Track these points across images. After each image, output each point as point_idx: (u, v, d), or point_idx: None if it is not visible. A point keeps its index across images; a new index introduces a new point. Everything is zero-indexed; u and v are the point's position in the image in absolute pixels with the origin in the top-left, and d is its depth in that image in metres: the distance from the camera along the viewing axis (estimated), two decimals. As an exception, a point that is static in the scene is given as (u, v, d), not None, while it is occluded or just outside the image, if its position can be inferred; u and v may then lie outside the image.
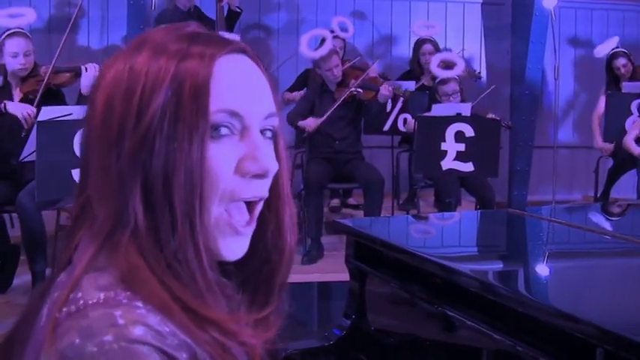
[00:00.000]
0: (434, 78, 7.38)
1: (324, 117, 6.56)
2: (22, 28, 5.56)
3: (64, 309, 0.92)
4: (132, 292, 0.93)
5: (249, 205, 1.06)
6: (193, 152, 0.98)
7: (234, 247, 1.06)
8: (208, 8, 7.69)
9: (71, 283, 0.96)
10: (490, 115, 6.56)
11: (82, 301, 0.92)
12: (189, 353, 0.92)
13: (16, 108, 5.16)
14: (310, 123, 6.58)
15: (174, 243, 0.98)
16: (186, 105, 0.98)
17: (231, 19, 7.48)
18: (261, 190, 1.06)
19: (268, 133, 1.09)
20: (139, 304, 0.92)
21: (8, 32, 5.43)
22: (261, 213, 1.09)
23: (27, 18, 5.71)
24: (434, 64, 6.90)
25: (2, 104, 5.17)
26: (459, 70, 6.84)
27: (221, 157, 1.01)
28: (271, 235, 1.14)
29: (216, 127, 1.00)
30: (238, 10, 7.60)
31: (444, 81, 6.76)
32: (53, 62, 5.43)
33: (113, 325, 0.88)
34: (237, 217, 1.05)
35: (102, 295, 0.92)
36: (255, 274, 1.14)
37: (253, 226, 1.07)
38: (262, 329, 1.08)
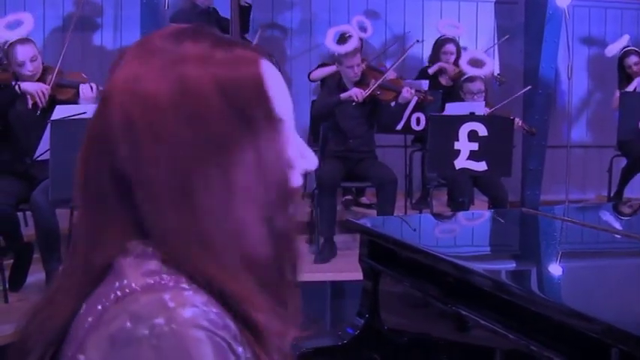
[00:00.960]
0: (453, 78, 7.38)
1: (372, 88, 6.54)
2: (24, 36, 5.55)
3: (112, 295, 0.94)
4: (175, 275, 0.95)
5: None
6: (279, 153, 1.03)
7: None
8: (221, 8, 7.69)
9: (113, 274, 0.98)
10: (517, 120, 6.55)
11: (128, 288, 0.94)
12: (232, 334, 0.93)
13: (31, 86, 5.18)
14: (357, 92, 6.55)
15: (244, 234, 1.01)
16: (267, 111, 1.01)
17: (242, 15, 7.47)
18: (300, 180, 1.10)
19: None
20: (185, 285, 0.94)
21: (10, 42, 5.42)
22: None
23: (26, 27, 5.66)
24: (464, 60, 6.90)
25: (17, 84, 5.19)
26: (488, 69, 6.84)
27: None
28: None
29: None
30: (247, 4, 7.57)
31: (471, 79, 6.76)
32: (58, 66, 5.45)
33: (164, 308, 0.90)
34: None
35: (149, 280, 0.94)
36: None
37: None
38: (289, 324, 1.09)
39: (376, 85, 6.60)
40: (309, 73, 7.82)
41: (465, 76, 6.90)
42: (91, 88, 5.39)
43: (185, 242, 0.98)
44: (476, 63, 6.93)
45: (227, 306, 0.96)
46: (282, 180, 1.03)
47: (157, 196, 0.98)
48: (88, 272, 1.01)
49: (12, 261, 5.45)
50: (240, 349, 0.93)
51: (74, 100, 5.44)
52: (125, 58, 1.05)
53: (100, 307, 0.94)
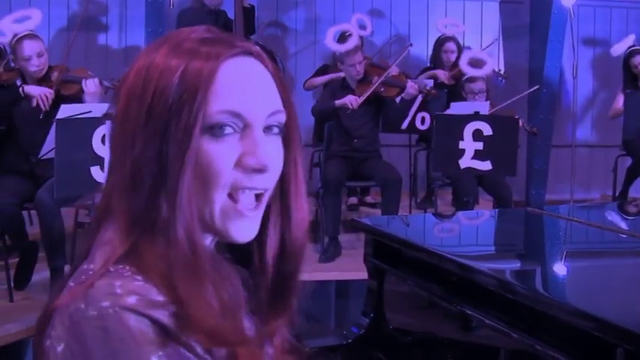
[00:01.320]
0: (455, 76, 7.37)
1: (365, 97, 6.53)
2: (32, 30, 5.58)
3: (80, 277, 1.06)
4: (136, 266, 1.05)
5: (257, 195, 1.14)
6: (182, 146, 1.06)
7: (243, 230, 1.14)
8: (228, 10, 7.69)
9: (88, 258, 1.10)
10: (518, 118, 6.54)
11: (91, 272, 1.06)
12: (178, 324, 1.03)
13: (34, 90, 5.21)
14: (352, 99, 6.54)
15: (175, 230, 1.07)
16: (186, 102, 1.06)
17: (247, 17, 7.46)
18: (262, 182, 1.13)
19: (275, 130, 1.15)
20: (139, 277, 1.04)
21: (18, 37, 5.44)
22: (273, 208, 1.20)
23: (34, 21, 5.69)
24: (464, 61, 6.89)
25: (21, 87, 5.21)
26: (488, 69, 6.83)
27: (221, 153, 1.09)
28: (282, 227, 1.23)
29: (219, 127, 1.09)
30: (250, 5, 7.58)
31: (472, 79, 6.76)
32: (63, 65, 5.46)
33: (111, 294, 1.00)
34: (244, 202, 1.12)
35: (110, 268, 1.04)
36: (272, 269, 1.23)
37: (260, 211, 1.15)
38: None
39: (378, 83, 6.60)
40: (304, 83, 7.82)
41: (466, 77, 6.89)
42: (95, 83, 5.40)
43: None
44: (476, 63, 6.92)
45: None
46: (182, 168, 1.07)
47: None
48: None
49: (17, 260, 5.46)
50: (183, 338, 1.02)
51: (79, 95, 5.46)
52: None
53: (71, 285, 1.06)
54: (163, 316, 1.01)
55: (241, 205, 1.12)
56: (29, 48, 5.37)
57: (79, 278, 1.06)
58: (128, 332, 0.98)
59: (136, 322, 0.99)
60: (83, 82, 5.41)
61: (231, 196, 1.11)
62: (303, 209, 1.24)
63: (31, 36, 5.49)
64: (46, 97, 5.16)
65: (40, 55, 5.39)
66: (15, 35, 5.46)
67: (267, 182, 1.14)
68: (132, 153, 1.07)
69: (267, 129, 1.14)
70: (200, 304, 1.05)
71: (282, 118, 1.16)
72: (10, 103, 5.39)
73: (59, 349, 1.01)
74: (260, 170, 1.11)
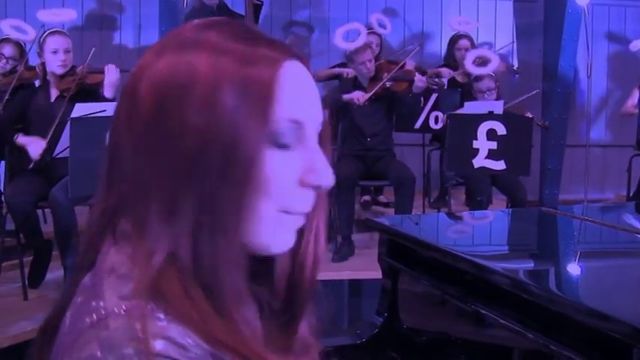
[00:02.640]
0: (468, 75, 7.35)
1: (372, 93, 6.53)
2: (61, 28, 5.69)
3: (87, 318, 0.91)
4: (154, 301, 0.91)
5: None
6: (248, 161, 0.95)
7: (283, 241, 1.03)
8: (234, 4, 7.70)
9: (93, 291, 0.95)
10: (528, 115, 6.52)
11: (103, 311, 0.90)
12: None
13: (25, 140, 5.29)
14: (358, 95, 6.54)
15: (210, 249, 0.96)
16: (249, 111, 0.95)
17: (254, 13, 7.48)
18: (312, 200, 1.04)
19: (316, 138, 1.05)
20: (161, 315, 0.91)
21: (49, 30, 5.58)
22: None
23: (69, 15, 5.89)
24: (469, 60, 6.87)
25: (15, 136, 5.30)
26: (493, 66, 6.81)
27: (283, 167, 0.98)
28: (307, 240, 1.10)
29: (279, 136, 0.98)
30: (259, 2, 7.59)
31: (479, 78, 6.74)
32: (89, 59, 5.51)
33: (134, 339, 0.87)
34: (290, 222, 1.03)
35: (123, 306, 0.90)
36: (291, 278, 1.12)
37: (302, 219, 1.05)
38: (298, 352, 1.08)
39: (386, 80, 6.59)
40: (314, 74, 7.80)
41: (473, 76, 6.88)
42: (116, 70, 5.47)
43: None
44: (481, 61, 6.90)
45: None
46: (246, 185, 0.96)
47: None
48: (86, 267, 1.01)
49: (31, 258, 5.49)
50: None
51: (101, 86, 5.52)
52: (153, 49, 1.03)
53: (75, 330, 0.91)
54: (194, 357, 0.89)
55: (290, 215, 1.02)
56: (59, 42, 5.47)
57: (85, 318, 0.91)
58: None
59: None
60: (106, 68, 5.47)
61: (278, 213, 1.00)
62: (325, 220, 1.12)
63: (62, 33, 5.64)
64: (39, 155, 5.21)
65: (67, 52, 5.48)
66: (45, 31, 5.58)
67: (313, 200, 1.05)
68: (166, 161, 0.95)
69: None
70: (241, 339, 0.95)
71: (320, 128, 1.07)
72: (27, 103, 5.44)
73: None
74: (319, 188, 1.03)
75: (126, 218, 0.98)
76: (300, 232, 1.07)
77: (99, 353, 0.86)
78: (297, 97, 1.00)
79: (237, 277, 0.97)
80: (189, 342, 0.89)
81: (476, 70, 6.78)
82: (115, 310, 0.90)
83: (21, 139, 5.28)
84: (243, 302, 0.99)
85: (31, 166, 5.19)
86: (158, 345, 0.87)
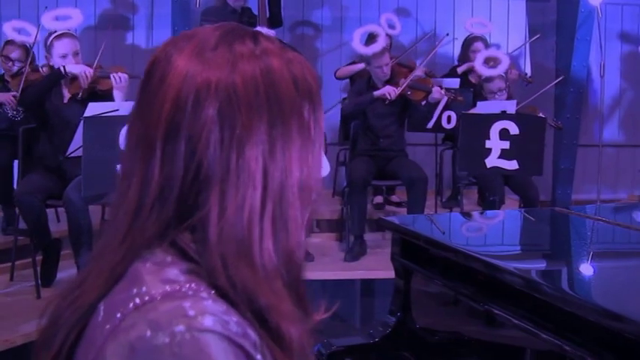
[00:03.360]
0: (480, 75, 7.34)
1: (403, 86, 6.53)
2: (70, 29, 5.67)
3: (130, 303, 0.94)
4: (195, 280, 0.96)
5: None
6: (315, 158, 1.03)
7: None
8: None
9: (130, 280, 0.98)
10: (540, 115, 6.50)
11: (147, 296, 0.94)
12: (251, 342, 0.94)
13: (76, 68, 5.25)
14: (390, 90, 6.54)
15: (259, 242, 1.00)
16: (317, 108, 1.04)
17: (271, 8, 7.47)
18: None
19: None
20: (204, 294, 0.95)
21: (56, 34, 5.50)
22: None
23: (74, 20, 5.84)
24: (479, 61, 6.85)
25: (62, 67, 5.25)
26: (504, 67, 6.79)
27: (321, 164, 1.07)
28: None
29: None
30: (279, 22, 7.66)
31: (490, 79, 6.72)
32: (96, 62, 5.50)
33: (184, 316, 0.90)
34: None
35: (168, 288, 0.95)
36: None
37: None
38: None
39: (407, 82, 6.59)
40: (336, 71, 7.82)
41: (483, 77, 6.86)
42: (124, 77, 5.43)
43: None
44: (490, 62, 6.88)
45: (251, 313, 0.97)
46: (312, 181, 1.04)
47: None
48: (117, 259, 1.03)
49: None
50: (259, 357, 0.94)
51: (112, 91, 5.50)
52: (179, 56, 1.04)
53: (118, 315, 0.94)
54: (238, 333, 0.93)
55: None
56: (67, 46, 5.43)
57: (128, 304, 0.94)
58: (208, 357, 0.89)
59: (216, 346, 0.90)
60: (111, 76, 5.44)
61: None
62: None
63: (70, 35, 5.56)
64: (87, 75, 5.20)
65: (75, 54, 5.44)
66: (52, 34, 5.52)
67: None
68: (213, 161, 0.99)
69: None
70: (288, 313, 1.00)
71: None
72: (43, 98, 5.43)
73: None
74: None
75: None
76: None
77: (149, 333, 0.90)
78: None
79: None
80: (232, 318, 0.94)
81: (486, 72, 6.77)
82: (161, 293, 0.94)
83: (70, 68, 5.29)
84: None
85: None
86: (207, 321, 0.91)
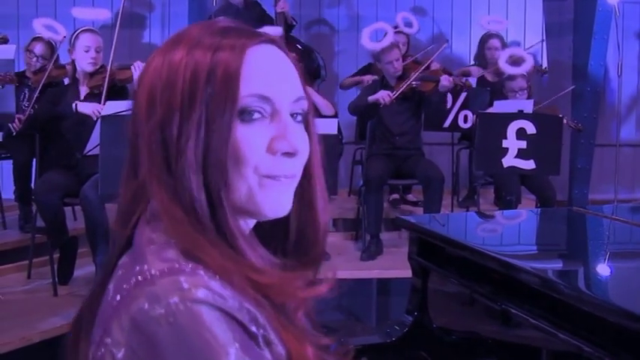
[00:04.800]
0: (498, 74, 7.32)
1: (397, 93, 6.52)
2: (92, 27, 5.76)
3: (132, 279, 1.01)
4: (193, 262, 1.03)
5: None
6: (223, 133, 1.08)
7: (278, 203, 1.15)
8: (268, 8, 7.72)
9: (136, 259, 1.06)
10: (563, 117, 6.48)
11: (148, 273, 1.01)
12: (250, 316, 1.01)
13: (87, 107, 5.28)
14: (384, 95, 6.53)
15: (214, 216, 1.09)
16: (218, 91, 1.09)
17: (286, 30, 7.49)
18: (291, 168, 1.15)
19: (299, 117, 1.18)
20: (201, 271, 1.02)
21: (82, 28, 5.64)
22: (296, 194, 1.19)
23: (102, 14, 5.95)
24: (502, 59, 6.83)
25: (75, 104, 5.29)
26: (527, 66, 6.78)
27: (251, 137, 1.11)
28: (305, 215, 1.23)
29: (248, 111, 1.11)
30: (294, 22, 7.65)
31: (512, 77, 6.70)
32: (111, 58, 5.54)
33: (179, 289, 0.97)
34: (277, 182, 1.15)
35: (167, 266, 1.02)
36: (294, 251, 1.25)
37: (293, 186, 1.17)
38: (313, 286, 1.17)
39: (412, 79, 6.57)
40: (341, 82, 7.86)
41: (506, 75, 6.84)
42: (141, 67, 5.49)
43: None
44: (515, 61, 6.87)
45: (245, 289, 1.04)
46: (220, 151, 1.09)
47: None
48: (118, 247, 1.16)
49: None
50: (253, 328, 1.01)
51: (131, 81, 5.60)
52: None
53: (123, 292, 1.01)
54: (233, 307, 0.99)
55: (275, 180, 1.13)
56: (91, 40, 5.52)
57: (130, 280, 1.02)
58: (203, 326, 0.95)
59: (210, 316, 0.96)
60: (132, 66, 5.51)
61: (262, 178, 1.13)
62: (325, 199, 1.25)
63: (94, 31, 5.70)
64: (98, 113, 5.23)
65: (97, 50, 5.52)
66: (77, 30, 5.65)
67: (296, 168, 1.16)
68: (165, 146, 1.09)
69: (292, 116, 1.16)
70: (271, 282, 1.07)
71: (305, 105, 1.18)
72: (57, 100, 5.48)
73: (119, 355, 0.98)
74: (290, 154, 1.13)
75: (153, 198, 1.11)
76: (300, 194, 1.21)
77: (146, 305, 0.97)
78: (265, 75, 1.13)
79: (241, 225, 1.13)
80: (227, 293, 1.00)
81: (509, 69, 6.75)
82: (160, 269, 1.01)
83: (81, 107, 5.32)
84: (256, 246, 1.14)
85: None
86: (200, 293, 0.98)
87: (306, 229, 1.24)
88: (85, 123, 5.18)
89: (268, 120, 1.13)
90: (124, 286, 1.02)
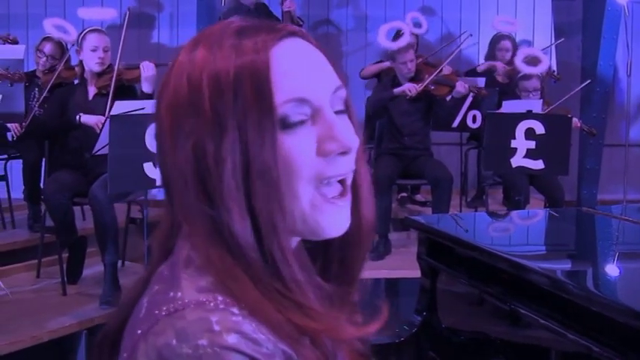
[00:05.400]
0: (508, 75, 7.31)
1: (425, 83, 6.52)
2: (100, 27, 5.79)
3: (164, 307, 0.95)
4: (229, 296, 0.96)
5: (340, 181, 1.06)
6: (266, 152, 0.97)
7: (336, 222, 1.06)
8: (274, 9, 7.73)
9: (171, 281, 0.99)
10: (575, 121, 6.47)
11: (180, 302, 0.95)
12: (285, 358, 0.94)
13: (90, 119, 5.30)
14: (410, 87, 6.54)
15: (260, 246, 0.99)
16: (250, 103, 0.98)
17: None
18: (347, 166, 1.05)
19: (341, 107, 1.07)
20: (235, 310, 0.94)
21: (89, 29, 5.65)
22: None
23: (109, 13, 5.98)
24: (519, 58, 6.83)
25: (78, 116, 5.31)
26: (543, 67, 6.77)
27: (298, 146, 1.00)
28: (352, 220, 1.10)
29: (288, 120, 0.99)
30: (300, 22, 7.65)
31: (527, 77, 6.70)
32: (118, 57, 5.55)
33: (209, 331, 0.91)
34: (332, 192, 1.04)
35: (201, 298, 0.95)
36: (338, 251, 1.15)
37: (349, 197, 1.07)
38: (359, 324, 1.10)
39: (430, 79, 6.58)
40: (361, 71, 7.83)
41: (521, 74, 6.84)
42: (151, 66, 5.50)
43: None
44: (531, 60, 6.86)
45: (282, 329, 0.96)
46: (268, 170, 0.98)
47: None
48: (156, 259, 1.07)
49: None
50: None
51: (138, 81, 5.60)
52: None
53: (153, 317, 0.95)
54: (266, 353, 0.92)
55: (331, 196, 1.04)
56: (98, 40, 5.52)
57: (162, 307, 0.95)
58: None
59: None
60: (141, 65, 5.53)
61: (317, 189, 1.02)
62: (371, 191, 1.16)
63: (101, 31, 5.72)
64: (101, 124, 5.23)
65: (105, 50, 5.53)
66: (84, 30, 5.66)
67: (350, 164, 1.06)
68: (197, 173, 0.99)
69: (334, 108, 1.05)
70: (307, 304, 0.99)
71: (344, 93, 1.07)
72: (66, 101, 5.50)
73: None
74: (344, 153, 1.02)
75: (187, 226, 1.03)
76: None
77: (174, 342, 0.90)
78: (296, 74, 1.02)
79: (294, 267, 1.01)
80: (262, 337, 0.93)
81: (526, 69, 6.74)
82: (192, 302, 0.94)
83: (85, 119, 5.33)
84: (306, 286, 1.02)
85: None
86: (231, 338, 0.90)
87: (351, 227, 1.10)
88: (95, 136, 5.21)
89: (310, 122, 1.02)
90: (156, 311, 0.96)
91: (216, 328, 0.91)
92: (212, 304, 0.94)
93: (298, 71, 1.02)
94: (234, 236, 0.98)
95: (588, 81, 7.32)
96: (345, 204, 1.06)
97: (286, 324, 0.96)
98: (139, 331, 0.96)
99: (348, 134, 1.03)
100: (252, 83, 0.98)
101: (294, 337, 0.96)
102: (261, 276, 0.98)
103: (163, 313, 0.94)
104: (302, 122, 1.01)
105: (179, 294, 0.96)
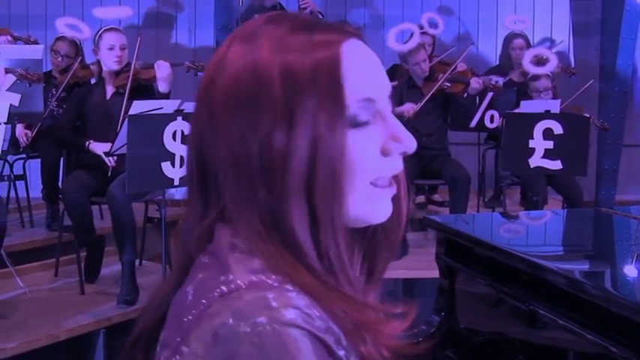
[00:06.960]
0: (524, 74, 7.29)
1: (421, 104, 6.52)
2: (118, 26, 5.81)
3: (216, 290, 0.95)
4: (281, 275, 0.96)
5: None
6: (335, 148, 0.98)
7: (382, 210, 1.07)
8: (290, 9, 7.73)
9: (219, 266, 0.99)
10: (590, 117, 6.44)
11: (233, 284, 0.95)
12: (335, 337, 0.94)
13: (98, 148, 5.33)
14: (408, 108, 6.53)
15: (315, 237, 1.00)
16: (324, 100, 0.99)
17: None
18: (401, 165, 1.09)
19: (390, 110, 1.09)
20: (289, 287, 0.95)
21: (106, 27, 5.66)
22: None
23: (125, 12, 5.99)
24: (526, 59, 6.82)
25: (87, 143, 5.36)
26: (551, 66, 6.75)
27: (364, 145, 1.02)
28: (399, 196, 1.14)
29: (356, 117, 1.01)
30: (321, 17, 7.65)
31: (536, 77, 6.68)
32: (135, 55, 5.56)
33: (267, 308, 0.91)
34: (383, 185, 1.07)
35: (254, 278, 0.95)
36: (371, 241, 1.16)
37: (394, 188, 1.09)
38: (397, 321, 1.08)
39: (442, 80, 6.57)
40: None
41: (530, 75, 6.82)
42: (167, 66, 5.50)
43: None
44: (539, 60, 6.84)
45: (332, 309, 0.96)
46: (334, 166, 0.99)
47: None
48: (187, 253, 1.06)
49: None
50: (341, 352, 0.94)
51: (154, 80, 5.58)
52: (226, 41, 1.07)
53: (204, 301, 0.95)
54: (320, 327, 0.92)
55: (381, 188, 1.06)
56: (115, 38, 5.55)
57: (214, 290, 0.95)
58: (288, 351, 0.89)
59: (297, 340, 0.89)
60: (155, 65, 5.52)
61: (372, 184, 1.04)
62: (406, 188, 1.16)
63: (117, 29, 5.73)
64: (108, 151, 5.25)
65: (122, 49, 5.55)
66: (101, 28, 5.67)
67: (402, 163, 1.09)
68: (260, 156, 0.98)
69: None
70: (357, 307, 0.99)
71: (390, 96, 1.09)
72: (83, 101, 5.52)
73: None
74: (404, 153, 1.07)
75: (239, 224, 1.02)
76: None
77: (231, 321, 0.90)
78: (365, 75, 1.04)
79: (346, 262, 1.02)
80: (315, 313, 0.93)
81: (533, 70, 6.72)
82: (247, 282, 0.95)
83: (93, 146, 5.35)
84: (350, 272, 1.04)
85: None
86: (289, 313, 0.90)
87: (387, 228, 1.14)
88: (112, 122, 5.23)
89: (374, 122, 1.04)
90: (208, 295, 0.95)
91: (274, 304, 0.91)
92: (266, 283, 0.95)
93: (367, 72, 1.05)
94: (291, 229, 0.99)
95: (591, 80, 7.28)
96: (391, 193, 1.08)
97: (338, 308, 0.96)
98: (190, 317, 0.95)
99: (409, 136, 1.07)
100: (329, 80, 0.99)
101: (341, 318, 0.96)
102: (315, 266, 0.99)
103: (216, 296, 0.94)
104: (368, 122, 1.03)
105: (230, 276, 0.96)
